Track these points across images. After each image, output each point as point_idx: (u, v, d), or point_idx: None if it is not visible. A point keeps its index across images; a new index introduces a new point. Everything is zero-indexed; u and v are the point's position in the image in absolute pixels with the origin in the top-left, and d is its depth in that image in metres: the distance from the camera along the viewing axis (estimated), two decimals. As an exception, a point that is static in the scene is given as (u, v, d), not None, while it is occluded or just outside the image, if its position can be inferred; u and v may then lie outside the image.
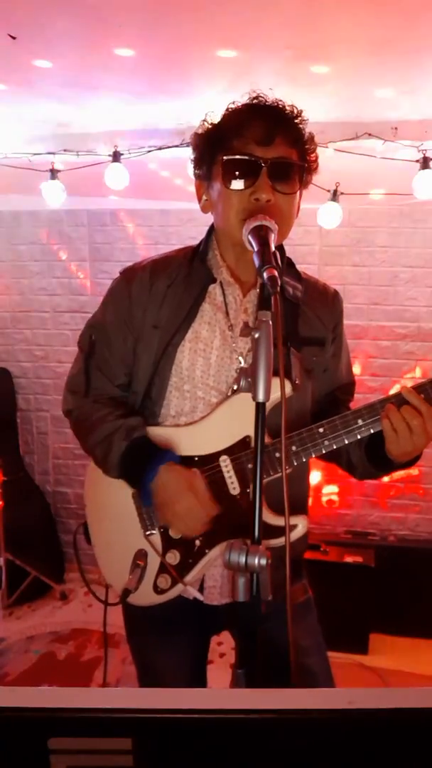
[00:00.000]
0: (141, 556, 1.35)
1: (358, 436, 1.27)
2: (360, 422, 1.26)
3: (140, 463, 1.32)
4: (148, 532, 1.36)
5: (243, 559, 0.92)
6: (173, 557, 1.34)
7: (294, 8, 1.86)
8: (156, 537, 1.36)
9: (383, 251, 3.36)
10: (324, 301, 1.44)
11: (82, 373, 1.45)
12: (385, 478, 3.47)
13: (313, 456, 1.29)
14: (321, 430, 1.27)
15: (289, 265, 1.43)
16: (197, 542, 1.33)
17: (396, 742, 0.59)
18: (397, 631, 3.14)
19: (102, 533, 1.48)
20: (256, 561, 0.92)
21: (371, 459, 1.36)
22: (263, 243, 1.12)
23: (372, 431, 1.26)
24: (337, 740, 0.59)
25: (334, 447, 1.28)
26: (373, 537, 3.34)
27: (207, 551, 1.32)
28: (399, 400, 1.24)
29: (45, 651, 3.09)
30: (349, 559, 3.05)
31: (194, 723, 0.58)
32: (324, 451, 1.28)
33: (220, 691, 0.69)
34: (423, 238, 3.32)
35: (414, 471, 3.46)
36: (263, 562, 0.92)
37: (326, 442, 1.27)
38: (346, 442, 1.27)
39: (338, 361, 1.48)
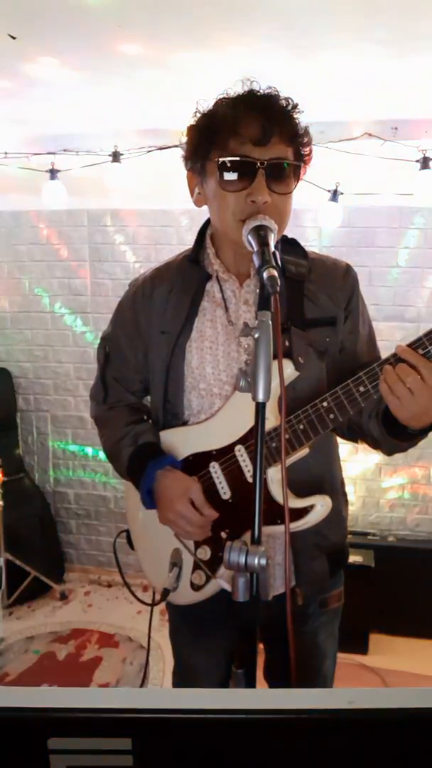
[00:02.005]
0: (177, 555, 1.38)
1: (363, 405, 1.24)
2: (362, 389, 1.22)
3: (142, 468, 1.37)
4: None
5: (242, 559, 0.92)
6: (204, 553, 1.36)
7: (295, 7, 1.86)
8: None
9: (383, 251, 3.36)
10: (334, 278, 1.40)
11: (99, 382, 1.54)
12: (387, 478, 3.48)
13: (322, 432, 1.26)
14: (325, 404, 1.25)
15: (292, 244, 1.42)
16: (223, 534, 1.34)
17: (396, 742, 0.59)
18: (397, 631, 3.13)
19: (142, 537, 1.53)
20: (256, 561, 0.92)
21: (390, 431, 1.31)
22: (263, 243, 1.12)
23: (376, 397, 1.22)
24: (337, 740, 0.59)
25: (341, 420, 1.25)
26: (373, 537, 3.34)
27: None
28: (397, 360, 1.19)
29: (45, 651, 3.09)
30: (348, 559, 3.04)
31: (194, 723, 0.58)
32: (332, 426, 1.26)
33: (220, 691, 0.69)
34: (423, 238, 3.32)
35: (415, 470, 3.46)
36: (263, 562, 0.92)
37: (332, 416, 1.24)
38: (352, 412, 1.24)
39: (356, 339, 1.42)
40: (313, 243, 3.36)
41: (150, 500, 1.37)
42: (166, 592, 1.35)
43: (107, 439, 1.51)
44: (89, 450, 3.82)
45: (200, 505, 1.31)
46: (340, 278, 1.40)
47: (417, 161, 2.73)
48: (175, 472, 1.35)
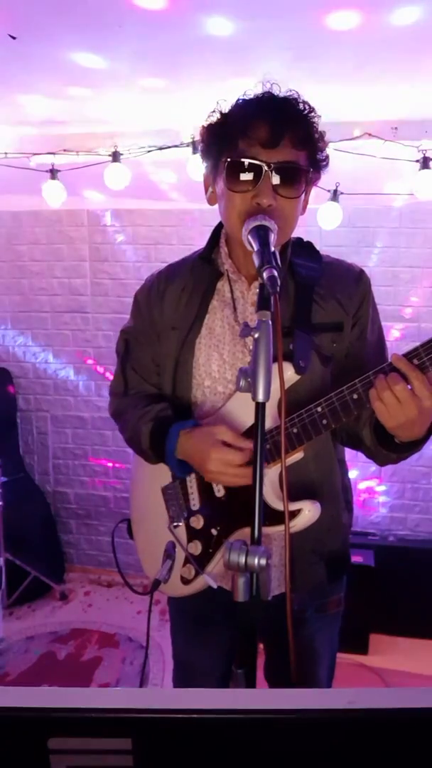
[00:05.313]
0: (170, 548, 1.39)
1: (356, 412, 1.22)
2: (355, 396, 1.20)
3: (164, 436, 1.37)
4: (174, 524, 1.40)
5: (242, 559, 0.92)
6: (195, 548, 1.38)
7: (295, 8, 1.86)
8: (181, 529, 1.40)
9: (383, 251, 3.36)
10: (345, 283, 1.39)
11: (120, 374, 1.55)
12: (386, 478, 3.48)
13: (314, 437, 1.25)
14: (319, 409, 1.23)
15: (305, 247, 1.42)
16: (214, 531, 1.35)
17: (396, 742, 0.59)
18: (397, 631, 3.14)
19: (141, 529, 1.55)
20: (256, 561, 0.92)
21: (381, 441, 1.30)
22: (263, 243, 1.12)
23: (368, 405, 1.20)
24: (337, 740, 0.59)
25: (334, 426, 1.23)
26: (373, 537, 3.34)
27: (224, 540, 1.34)
28: (391, 368, 1.17)
29: (45, 651, 3.09)
30: (349, 567, 3.03)
31: (194, 723, 0.58)
32: (324, 431, 1.24)
33: (220, 691, 0.69)
34: (423, 238, 3.32)
35: (415, 470, 3.46)
36: (263, 562, 0.92)
37: (324, 422, 1.23)
38: (344, 419, 1.23)
39: (363, 345, 1.40)
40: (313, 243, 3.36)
41: (179, 465, 1.35)
42: (156, 583, 1.35)
43: (126, 423, 1.48)
44: (89, 450, 3.82)
45: (233, 440, 1.27)
46: (352, 283, 1.40)
47: (417, 161, 2.73)
48: (199, 428, 1.33)
